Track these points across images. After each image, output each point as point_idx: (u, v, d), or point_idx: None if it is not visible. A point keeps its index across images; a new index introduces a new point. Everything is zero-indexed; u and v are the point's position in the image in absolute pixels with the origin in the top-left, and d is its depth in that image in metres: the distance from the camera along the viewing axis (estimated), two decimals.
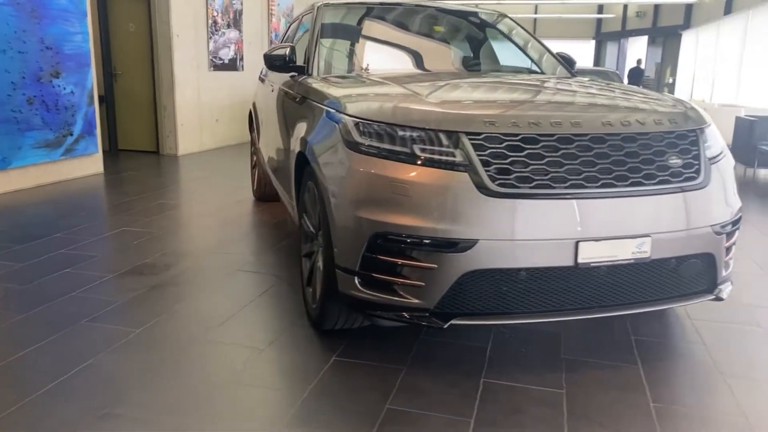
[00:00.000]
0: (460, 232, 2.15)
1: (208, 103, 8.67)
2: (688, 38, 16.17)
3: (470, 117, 2.29)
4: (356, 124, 2.38)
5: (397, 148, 2.26)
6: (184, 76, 8.09)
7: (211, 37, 8.60)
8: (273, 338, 2.71)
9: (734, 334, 2.84)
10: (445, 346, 2.64)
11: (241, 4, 9.33)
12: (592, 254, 2.22)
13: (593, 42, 21.94)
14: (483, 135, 2.22)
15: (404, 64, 3.68)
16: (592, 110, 2.44)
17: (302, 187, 2.97)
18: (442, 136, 2.23)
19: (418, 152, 2.23)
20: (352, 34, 3.82)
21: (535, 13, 20.90)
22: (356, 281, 2.33)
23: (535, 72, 3.76)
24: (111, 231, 4.37)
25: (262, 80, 5.36)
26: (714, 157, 2.51)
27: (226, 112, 9.10)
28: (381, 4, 3.90)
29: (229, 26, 9.05)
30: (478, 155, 2.19)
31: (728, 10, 13.15)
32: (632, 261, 2.27)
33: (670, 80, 17.49)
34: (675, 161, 2.37)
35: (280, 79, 3.96)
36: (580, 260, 2.21)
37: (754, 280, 3.59)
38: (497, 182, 2.17)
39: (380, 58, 3.67)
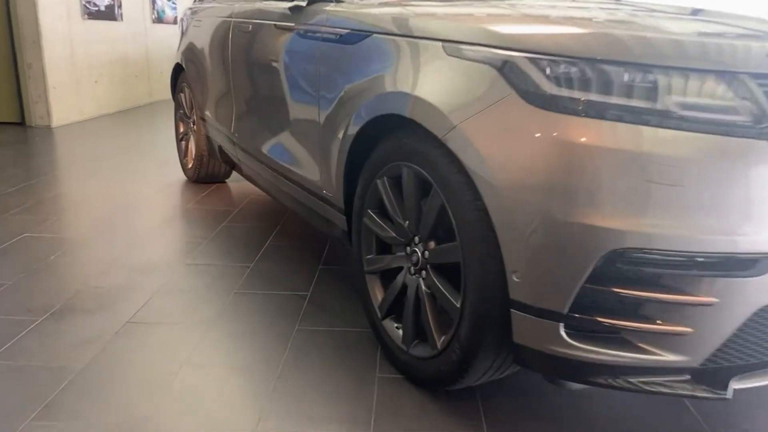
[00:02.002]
0: (761, 241, 1.28)
1: (85, 60, 6.96)
2: None
3: (751, 48, 1.39)
4: (539, 64, 1.40)
5: (640, 104, 1.32)
6: (52, 27, 6.34)
7: None
8: (368, 414, 1.70)
9: None
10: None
11: None
12: None
13: None
14: None
15: None
16: None
17: (367, 172, 1.93)
18: (717, 82, 1.33)
19: (676, 109, 1.31)
20: None
21: None
22: (561, 330, 1.39)
23: None
24: (10, 239, 2.98)
25: (185, 23, 4.06)
26: None
27: (106, 71, 7.41)
28: None
29: None
30: None
31: None
32: None
33: None
34: None
35: (254, 12, 2.80)
36: None
37: None
38: None
39: None
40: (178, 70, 4.17)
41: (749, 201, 1.27)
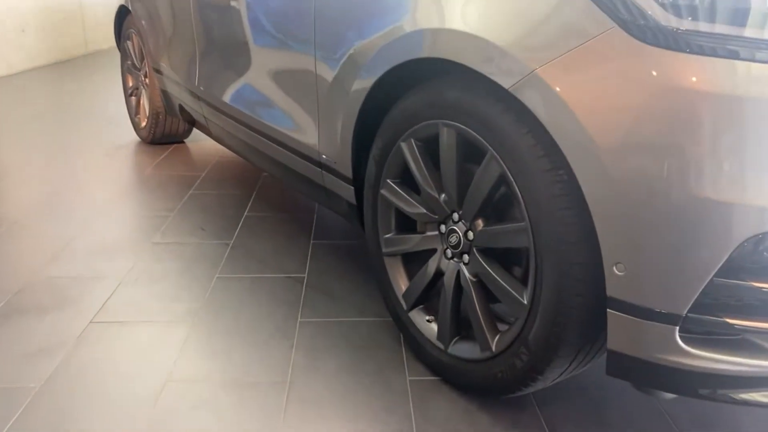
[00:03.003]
0: None
1: (8, 6, 6.18)
2: None
3: None
4: None
5: None
6: None
7: None
8: (402, 429, 1.39)
9: None
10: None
11: None
12: None
13: None
14: None
15: None
16: None
17: (386, 133, 1.57)
18: None
19: None
20: None
21: None
22: (676, 335, 1.09)
23: None
24: None
25: None
26: None
27: (32, 19, 6.62)
28: None
29: None
30: None
31: None
32: None
33: None
34: None
35: None
36: None
37: None
38: None
39: None
40: (123, 13, 3.61)
41: None
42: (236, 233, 2.43)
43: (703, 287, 1.04)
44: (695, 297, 1.05)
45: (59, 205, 2.70)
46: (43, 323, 1.79)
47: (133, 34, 3.52)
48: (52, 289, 1.99)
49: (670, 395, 1.23)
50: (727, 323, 1.06)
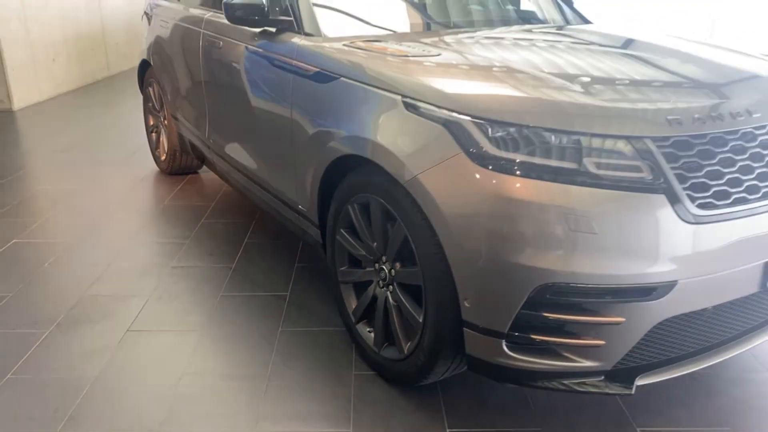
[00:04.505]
0: (659, 273, 1.62)
1: (41, 38, 6.89)
2: None
3: (653, 114, 1.70)
4: (482, 128, 1.68)
5: (565, 165, 1.62)
6: (4, 4, 6.26)
7: None
8: (347, 408, 2.03)
9: None
10: None
11: None
12: None
13: None
14: (671, 139, 1.66)
15: (414, 15, 2.89)
16: (754, 90, 1.96)
17: (339, 197, 2.20)
18: (624, 144, 1.64)
19: (593, 168, 1.62)
20: None
21: None
22: (503, 345, 1.72)
23: (546, 21, 3.17)
24: (0, 247, 3.17)
25: (150, 17, 4.17)
26: None
27: (62, 48, 7.34)
28: None
29: None
30: (672, 168, 1.64)
31: None
32: None
33: None
34: None
35: (225, 28, 2.97)
36: None
37: None
38: (697, 203, 1.65)
39: (377, 6, 2.84)
40: (145, 65, 4.29)
41: (648, 243, 1.61)
42: (237, 258, 3.08)
43: (515, 315, 1.67)
44: (511, 321, 1.68)
45: (98, 233, 3.37)
46: (93, 331, 2.46)
47: (154, 83, 4.19)
48: (97, 304, 2.65)
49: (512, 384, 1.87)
50: (532, 338, 1.70)
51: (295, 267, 2.99)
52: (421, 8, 2.97)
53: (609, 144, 1.64)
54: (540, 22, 3.12)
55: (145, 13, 4.40)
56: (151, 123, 4.44)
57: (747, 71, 2.15)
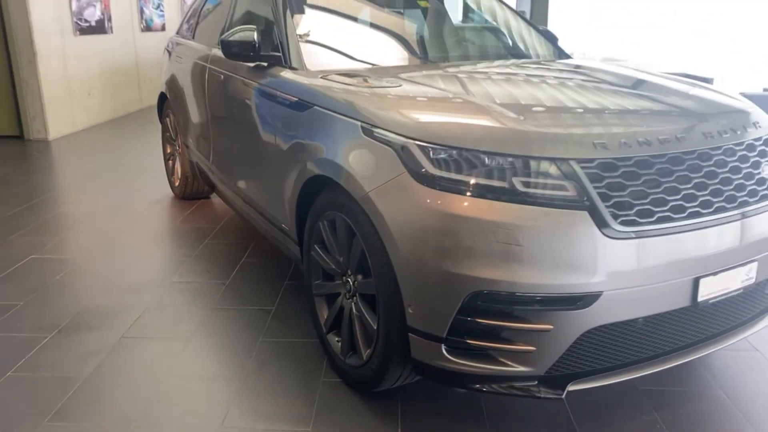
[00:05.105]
0: (584, 284, 1.76)
1: (78, 73, 7.37)
2: None
3: (579, 138, 1.86)
4: (425, 150, 1.86)
5: (493, 183, 1.79)
6: (47, 44, 6.75)
7: None
8: (309, 411, 2.18)
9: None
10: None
11: None
12: (710, 290, 1.94)
13: None
14: (596, 161, 1.81)
15: (395, 50, 3.12)
16: (687, 119, 2.10)
17: (312, 215, 2.39)
18: (549, 165, 1.79)
19: (520, 187, 1.78)
20: (323, 13, 3.17)
21: None
22: (443, 349, 1.87)
23: (531, 55, 3.36)
24: (17, 262, 3.45)
25: (170, 53, 4.50)
26: None
27: (97, 82, 7.82)
28: None
29: None
30: (595, 187, 1.79)
31: None
32: (741, 290, 2.03)
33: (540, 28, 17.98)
34: None
35: (226, 64, 3.24)
36: (699, 298, 1.91)
37: None
38: (620, 220, 1.79)
39: (363, 43, 3.08)
40: (163, 97, 4.61)
41: (572, 256, 1.75)
42: (232, 275, 3.29)
43: (451, 320, 1.82)
44: (448, 326, 1.83)
45: (109, 250, 3.63)
46: (91, 336, 2.67)
47: (170, 114, 4.50)
48: (98, 313, 2.88)
49: (462, 390, 2.00)
50: (468, 343, 1.84)
51: (284, 284, 3.17)
52: (406, 44, 3.19)
53: (537, 165, 1.80)
54: (524, 56, 3.31)
55: (166, 49, 4.75)
56: (168, 151, 4.74)
57: (682, 101, 2.30)
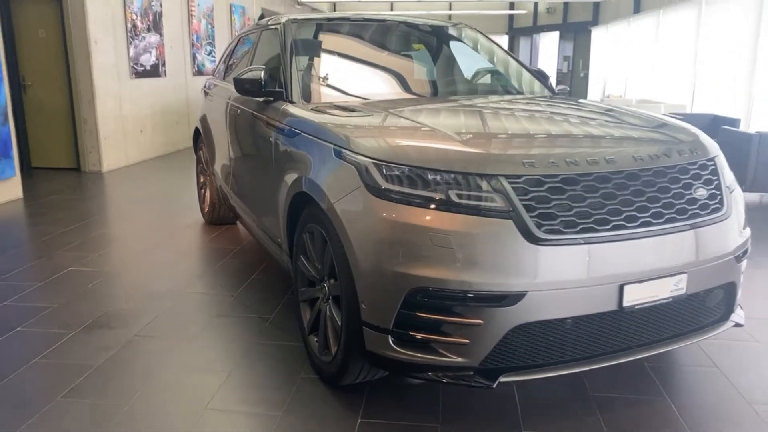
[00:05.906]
0: (509, 284, 2.00)
1: (132, 113, 8.07)
2: (598, 33, 16.79)
3: (509, 157, 2.14)
4: (379, 167, 2.17)
5: (432, 195, 2.07)
6: (105, 86, 7.46)
7: (131, 42, 7.99)
8: (285, 399, 2.46)
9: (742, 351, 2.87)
10: (476, 395, 2.49)
11: (161, 5, 8.74)
12: (635, 297, 2.14)
13: (506, 37, 22.40)
14: (524, 177, 2.08)
15: (387, 86, 3.47)
16: (621, 144, 2.35)
17: (298, 228, 2.71)
18: (480, 180, 2.07)
19: (455, 198, 2.06)
20: (324, 54, 3.56)
21: (450, 9, 21.13)
22: (390, 340, 2.13)
23: (515, 91, 3.66)
24: (56, 273, 3.90)
25: (206, 93, 4.99)
26: (729, 186, 2.49)
27: (149, 121, 8.51)
28: (353, 19, 3.69)
29: (149, 30, 8.44)
30: (521, 200, 2.05)
31: (637, 9, 13.75)
32: (670, 299, 2.21)
33: (582, 74, 18.16)
34: (701, 193, 2.33)
35: (242, 99, 3.65)
36: (625, 304, 2.12)
37: None
38: (543, 228, 2.03)
39: (358, 80, 3.44)
40: (197, 132, 5.09)
41: (499, 259, 2.00)
42: (241, 289, 3.63)
43: (395, 314, 2.08)
44: (393, 319, 2.09)
45: (138, 265, 4.04)
46: (108, 333, 3.04)
47: (203, 146, 4.97)
48: (119, 315, 3.25)
49: (415, 381, 2.24)
50: (410, 334, 2.09)
51: (285, 297, 3.49)
52: (401, 81, 3.54)
53: (471, 180, 2.07)
54: (509, 93, 3.60)
55: (203, 89, 5.26)
56: (201, 180, 5.20)
57: (626, 129, 2.56)
